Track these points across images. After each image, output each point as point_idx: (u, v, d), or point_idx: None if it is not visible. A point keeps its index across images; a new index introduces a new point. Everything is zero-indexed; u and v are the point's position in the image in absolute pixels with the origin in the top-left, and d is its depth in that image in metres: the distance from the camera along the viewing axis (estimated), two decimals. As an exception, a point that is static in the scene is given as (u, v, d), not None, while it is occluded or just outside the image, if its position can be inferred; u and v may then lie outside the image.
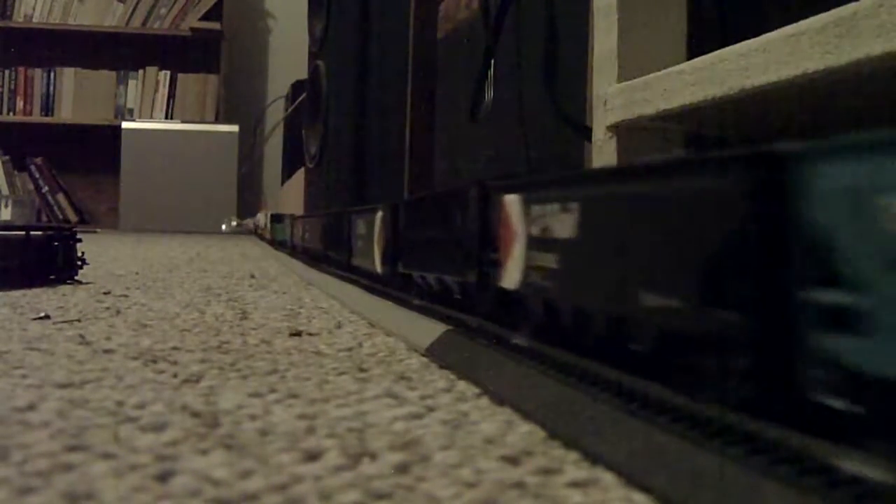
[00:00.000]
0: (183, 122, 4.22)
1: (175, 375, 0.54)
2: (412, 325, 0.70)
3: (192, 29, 4.28)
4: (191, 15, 4.32)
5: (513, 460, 0.36)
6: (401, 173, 1.56)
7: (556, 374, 0.45)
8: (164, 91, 4.40)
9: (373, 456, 0.36)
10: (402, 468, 0.35)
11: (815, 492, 0.25)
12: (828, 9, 0.53)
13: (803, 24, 0.55)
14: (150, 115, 4.35)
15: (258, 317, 0.85)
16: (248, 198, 4.29)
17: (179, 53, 4.37)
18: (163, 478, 0.33)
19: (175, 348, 0.64)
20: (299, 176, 2.81)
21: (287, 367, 0.57)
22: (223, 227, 3.95)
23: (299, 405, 0.46)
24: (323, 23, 2.34)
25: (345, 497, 0.31)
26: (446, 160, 1.39)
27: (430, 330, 0.65)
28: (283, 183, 3.73)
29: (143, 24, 4.35)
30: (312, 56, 2.51)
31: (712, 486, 0.28)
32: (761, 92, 0.59)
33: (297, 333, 0.73)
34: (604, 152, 0.76)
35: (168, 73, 4.40)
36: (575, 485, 0.33)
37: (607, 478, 0.33)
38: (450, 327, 0.64)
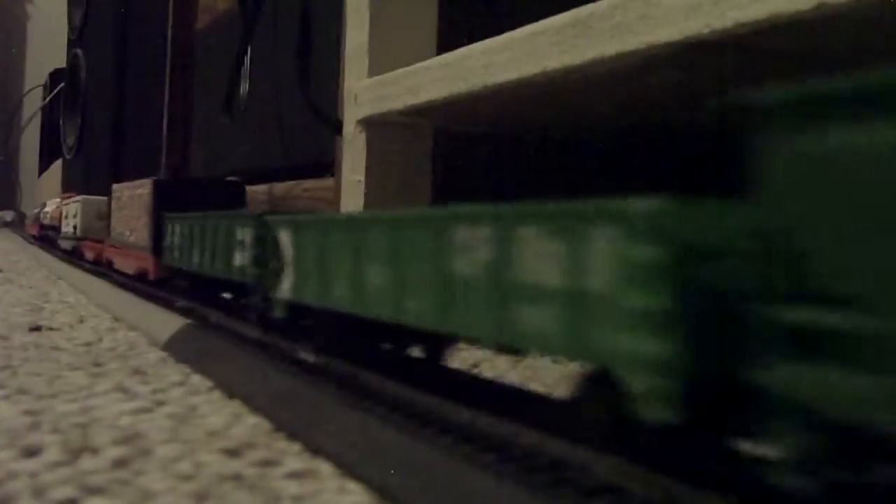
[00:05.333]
0: (-66, 109, 4.05)
1: None
2: (155, 320, 0.69)
3: (-56, 13, 4.12)
4: (-56, -2, 4.15)
5: (234, 453, 0.36)
6: (159, 162, 1.53)
7: (287, 368, 0.45)
8: (-86, 77, 4.22)
9: (94, 451, 0.36)
10: (122, 463, 0.34)
11: (514, 477, 0.26)
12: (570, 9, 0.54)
13: (543, 24, 0.56)
14: None
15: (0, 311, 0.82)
16: (2, 190, 4.14)
17: (-69, 38, 4.20)
18: None
19: None
20: (57, 167, 2.73)
21: (21, 362, 0.56)
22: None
23: (26, 401, 0.45)
24: (83, 10, 2.28)
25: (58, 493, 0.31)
26: (204, 150, 1.38)
27: (171, 324, 0.65)
28: (39, 174, 3.63)
29: None
30: (71, 44, 2.44)
31: (421, 474, 0.29)
32: (504, 88, 0.60)
33: (38, 328, 0.71)
34: (354, 146, 0.76)
35: (-82, 58, 4.22)
36: (292, 475, 0.33)
37: (325, 468, 0.34)
38: (190, 321, 0.63)
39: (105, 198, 1.25)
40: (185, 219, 0.70)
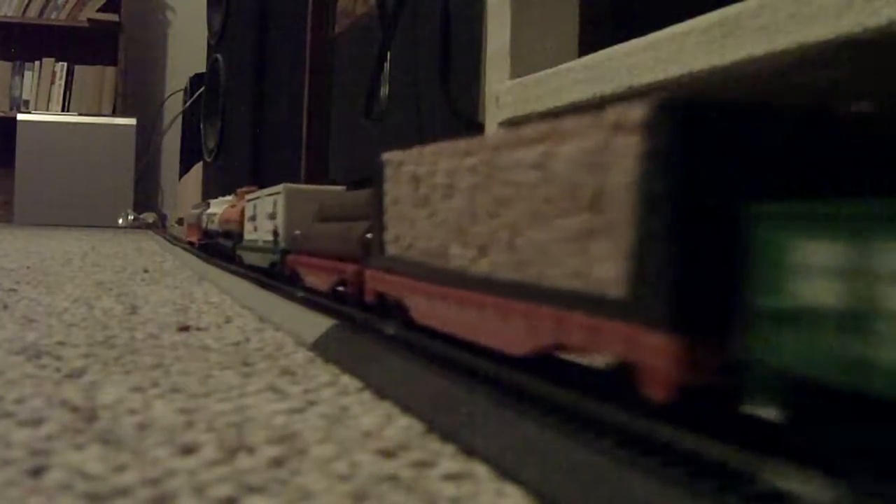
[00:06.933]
0: (80, 114, 4.15)
1: (58, 370, 0.53)
2: (300, 320, 0.70)
3: (89, 20, 4.22)
4: (88, 6, 4.25)
5: (389, 454, 0.36)
6: (298, 167, 1.55)
7: (438, 369, 0.45)
8: (60, 83, 4.33)
9: (249, 450, 0.36)
10: (278, 462, 0.35)
11: (678, 482, 0.26)
12: (715, 9, 0.54)
13: (689, 24, 0.55)
14: (46, 108, 4.27)
15: (148, 311, 0.84)
16: (144, 192, 4.23)
17: (77, 45, 4.30)
18: (36, 472, 0.33)
19: (60, 343, 0.63)
20: (197, 170, 2.78)
21: (172, 361, 0.57)
22: (119, 220, 3.89)
23: (180, 399, 0.46)
24: (221, 16, 2.32)
25: (217, 491, 0.31)
26: (342, 153, 1.39)
27: (317, 324, 0.65)
28: (180, 177, 3.70)
29: (40, 14, 4.27)
30: (211, 49, 2.49)
31: (581, 478, 0.29)
32: (649, 90, 0.59)
33: (186, 328, 0.72)
34: (495, 149, 0.76)
35: (65, 64, 4.32)
36: (448, 477, 0.33)
37: (481, 470, 0.34)
38: (337, 321, 0.63)
39: (326, 188, 0.90)
40: None
